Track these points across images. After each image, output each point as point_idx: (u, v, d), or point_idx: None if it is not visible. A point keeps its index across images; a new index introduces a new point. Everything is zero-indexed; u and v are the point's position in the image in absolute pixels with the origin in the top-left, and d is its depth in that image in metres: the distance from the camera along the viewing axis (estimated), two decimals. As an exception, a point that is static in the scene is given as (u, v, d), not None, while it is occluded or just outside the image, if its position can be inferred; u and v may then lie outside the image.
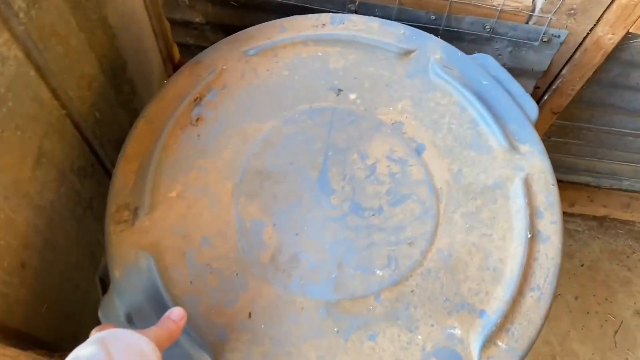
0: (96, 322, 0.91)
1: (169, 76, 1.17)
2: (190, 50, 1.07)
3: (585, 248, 1.40)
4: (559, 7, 0.81)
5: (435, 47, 0.79)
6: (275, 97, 0.76)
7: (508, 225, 0.67)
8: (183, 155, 0.72)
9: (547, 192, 0.69)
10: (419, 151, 0.73)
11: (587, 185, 1.39)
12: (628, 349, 1.29)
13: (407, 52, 0.78)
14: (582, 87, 1.02)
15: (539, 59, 0.92)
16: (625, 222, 1.43)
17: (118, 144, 0.82)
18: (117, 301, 0.64)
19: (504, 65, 0.95)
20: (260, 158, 0.72)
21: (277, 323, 0.62)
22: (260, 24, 0.80)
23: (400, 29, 0.80)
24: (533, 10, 0.84)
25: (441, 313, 0.63)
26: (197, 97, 0.76)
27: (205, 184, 0.70)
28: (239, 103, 0.76)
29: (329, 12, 0.89)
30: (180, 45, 1.07)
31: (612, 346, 1.30)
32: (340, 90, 0.77)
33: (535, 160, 0.71)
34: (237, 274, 0.65)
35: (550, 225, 0.68)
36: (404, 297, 0.64)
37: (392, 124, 0.74)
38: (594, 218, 1.43)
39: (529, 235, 0.66)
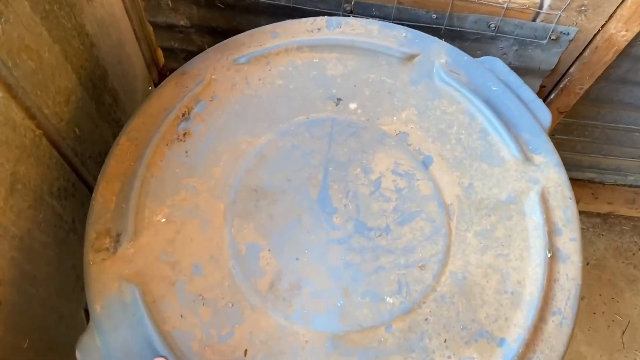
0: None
1: (154, 81, 1.11)
2: (175, 55, 1.01)
3: (590, 246, 1.36)
4: (568, 3, 0.76)
5: (439, 51, 0.74)
6: (269, 108, 0.71)
7: (525, 244, 0.63)
8: (169, 174, 0.67)
9: (564, 206, 0.65)
10: (426, 164, 0.67)
11: (591, 181, 1.35)
12: (636, 350, 1.26)
13: (410, 57, 0.73)
14: (590, 85, 0.98)
15: (546, 58, 0.87)
16: (630, 219, 1.39)
17: (101, 158, 0.76)
18: (97, 339, 0.58)
19: (509, 64, 0.90)
20: (255, 175, 0.67)
21: (278, 359, 0.57)
22: (250, 30, 0.74)
23: (401, 31, 0.74)
24: (541, 7, 0.79)
25: (458, 343, 0.58)
26: (184, 110, 0.70)
27: (194, 205, 0.65)
28: (229, 115, 0.70)
29: (323, 13, 0.83)
30: (164, 49, 1.00)
31: (619, 347, 1.26)
32: (339, 99, 0.71)
33: (550, 172, 0.66)
34: (232, 305, 0.60)
35: (570, 242, 0.63)
36: (417, 326, 0.59)
37: (397, 134, 0.69)
38: (598, 215, 1.39)
39: (549, 255, 0.61)
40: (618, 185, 1.35)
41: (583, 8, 0.77)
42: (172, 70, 1.04)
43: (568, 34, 0.82)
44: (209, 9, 0.88)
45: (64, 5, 0.69)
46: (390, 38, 0.74)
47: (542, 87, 0.95)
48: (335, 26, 0.74)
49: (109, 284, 0.60)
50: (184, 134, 0.70)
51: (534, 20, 0.81)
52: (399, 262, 0.62)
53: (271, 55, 0.73)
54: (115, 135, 0.72)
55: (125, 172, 0.67)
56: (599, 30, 0.81)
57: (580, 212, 1.39)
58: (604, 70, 0.93)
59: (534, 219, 0.63)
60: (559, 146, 1.20)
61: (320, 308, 0.60)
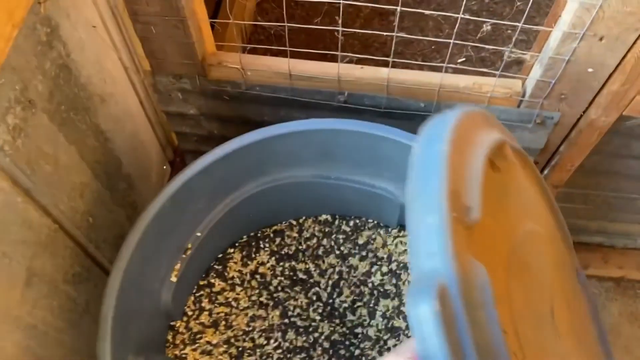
0: None
1: (169, 160, 1.18)
2: (188, 137, 1.08)
3: (603, 311, 1.35)
4: (549, 92, 0.80)
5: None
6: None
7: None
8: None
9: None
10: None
11: (601, 245, 1.35)
12: (655, 421, 1.23)
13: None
14: (583, 160, 1.00)
15: (535, 138, 0.90)
16: (643, 283, 1.38)
17: (115, 240, 0.82)
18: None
19: (499, 145, 0.93)
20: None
21: None
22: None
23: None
24: (523, 95, 0.83)
25: None
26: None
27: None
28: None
29: (319, 104, 0.90)
30: (177, 133, 1.08)
31: (638, 419, 1.23)
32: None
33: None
34: None
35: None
36: None
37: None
38: (611, 279, 1.38)
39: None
40: (629, 249, 1.35)
41: (563, 96, 0.81)
42: (185, 151, 1.12)
43: (552, 118, 0.86)
44: (215, 100, 0.95)
45: (80, 110, 0.77)
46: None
47: (535, 163, 0.98)
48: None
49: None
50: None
51: (518, 106, 0.85)
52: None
53: None
54: (129, 218, 0.78)
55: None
56: (581, 115, 0.84)
57: (592, 276, 1.38)
58: (596, 147, 0.96)
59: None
60: (563, 213, 1.22)
61: None
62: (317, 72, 0.86)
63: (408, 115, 0.89)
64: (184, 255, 0.86)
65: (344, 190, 0.93)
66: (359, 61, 0.92)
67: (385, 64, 0.84)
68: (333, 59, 0.84)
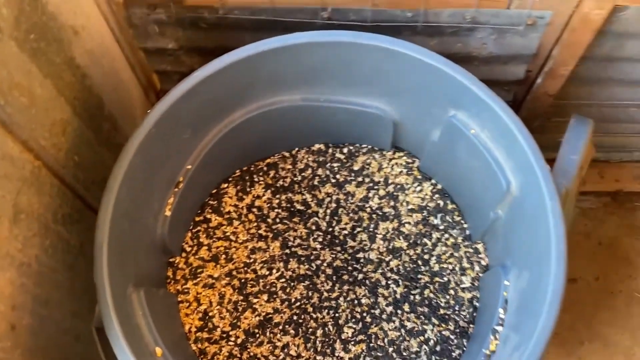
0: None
1: (152, 105, 1.15)
2: (170, 77, 1.05)
3: (601, 226, 1.35)
4: (539, -13, 0.77)
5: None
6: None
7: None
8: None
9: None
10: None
11: (596, 160, 1.35)
12: (658, 326, 1.25)
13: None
14: (576, 65, 0.98)
15: (526, 43, 0.88)
16: (640, 195, 1.38)
17: (105, 183, 0.80)
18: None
19: (489, 54, 0.91)
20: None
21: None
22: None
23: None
24: (513, -6, 0.80)
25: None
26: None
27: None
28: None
29: (302, 22, 0.86)
30: (158, 72, 1.04)
31: (641, 325, 1.25)
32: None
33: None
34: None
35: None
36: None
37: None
38: (608, 194, 1.38)
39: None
40: (624, 162, 1.34)
41: (554, -9, 0.78)
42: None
43: (544, 17, 0.83)
44: (194, 31, 0.91)
45: (52, 41, 0.73)
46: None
47: (528, 72, 0.96)
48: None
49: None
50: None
51: (508, 7, 0.82)
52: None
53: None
54: (116, 160, 0.75)
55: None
56: (573, 12, 0.81)
57: (589, 192, 1.38)
58: (588, 50, 0.94)
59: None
60: (558, 129, 1.20)
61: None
62: (298, -13, 0.82)
63: (395, 27, 0.86)
64: (176, 189, 0.84)
65: (335, 112, 0.90)
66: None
67: (367, -27, 0.81)
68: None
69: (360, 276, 0.93)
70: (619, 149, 1.30)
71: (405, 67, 0.76)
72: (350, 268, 0.94)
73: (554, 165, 0.79)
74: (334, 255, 0.95)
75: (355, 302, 0.91)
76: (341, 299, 0.91)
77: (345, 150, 1.01)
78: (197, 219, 0.93)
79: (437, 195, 0.96)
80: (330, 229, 0.97)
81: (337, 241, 0.96)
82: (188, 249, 0.90)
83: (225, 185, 0.97)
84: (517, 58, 0.91)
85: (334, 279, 0.93)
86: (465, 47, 0.90)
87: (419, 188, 0.97)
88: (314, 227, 0.97)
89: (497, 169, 0.75)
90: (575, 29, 0.83)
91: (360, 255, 0.95)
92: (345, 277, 0.93)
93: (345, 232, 0.97)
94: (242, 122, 0.86)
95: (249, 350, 0.85)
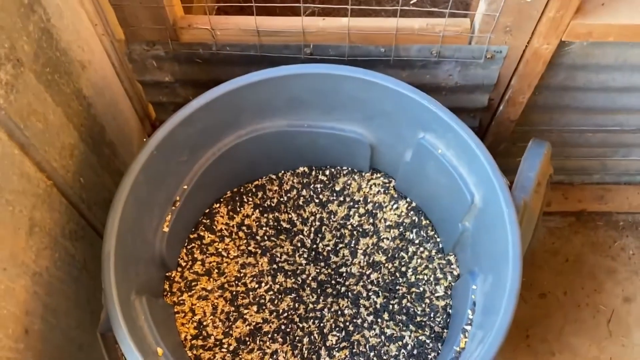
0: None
1: (148, 134, 1.23)
2: (165, 107, 1.13)
3: (567, 244, 1.45)
4: (494, 26, 0.88)
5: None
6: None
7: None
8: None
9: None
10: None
11: (561, 183, 1.45)
12: (622, 336, 1.33)
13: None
14: (534, 94, 1.09)
15: (487, 74, 0.98)
16: (602, 214, 1.48)
17: (105, 204, 0.87)
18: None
19: (455, 84, 1.01)
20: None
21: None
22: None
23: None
24: (473, 32, 0.91)
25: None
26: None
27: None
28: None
29: (287, 57, 0.96)
30: (154, 103, 1.13)
31: (607, 335, 1.33)
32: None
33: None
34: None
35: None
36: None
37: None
38: (572, 214, 1.48)
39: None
40: (586, 184, 1.45)
41: (508, 29, 0.89)
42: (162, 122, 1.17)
43: (501, 51, 0.94)
44: (189, 65, 1.00)
45: (63, 74, 0.82)
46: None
47: (490, 100, 1.06)
48: None
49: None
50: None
51: (469, 43, 0.93)
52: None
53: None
54: (116, 184, 0.83)
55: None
56: (526, 46, 0.92)
57: (555, 213, 1.48)
58: (544, 80, 1.05)
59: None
60: (521, 153, 1.31)
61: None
62: (283, 27, 0.92)
63: (370, 62, 0.96)
64: (173, 207, 0.91)
65: (317, 137, 0.99)
66: (323, 14, 0.98)
67: (345, 14, 0.91)
68: (299, 13, 0.91)
69: (343, 289, 1.00)
70: (580, 172, 1.41)
71: (379, 95, 0.86)
72: (333, 282, 1.01)
73: (514, 181, 0.89)
74: (318, 270, 1.02)
75: (339, 312, 0.98)
76: (325, 309, 0.98)
77: (327, 172, 1.10)
78: (191, 236, 1.00)
79: (412, 212, 1.05)
80: (315, 246, 1.05)
81: (321, 257, 1.04)
82: (183, 264, 0.98)
83: (218, 205, 1.05)
84: (480, 88, 1.02)
85: (319, 292, 1.00)
86: (433, 78, 1.00)
87: (395, 206, 1.06)
88: (299, 244, 1.05)
89: (462, 183, 0.84)
90: (528, 61, 0.94)
91: (343, 269, 1.02)
92: (329, 290, 1.00)
93: (329, 248, 1.05)
94: (233, 146, 0.95)
95: (240, 356, 0.91)
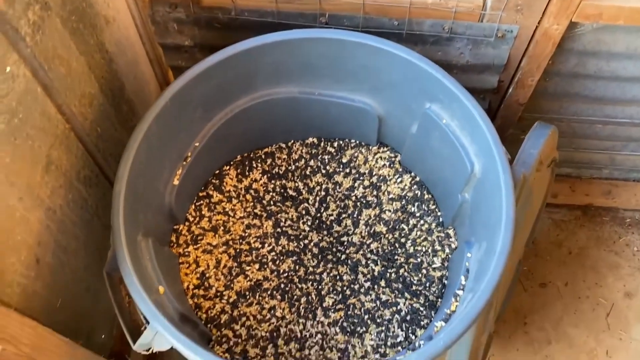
0: (108, 324, 0.99)
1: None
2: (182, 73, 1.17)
3: (572, 237, 1.46)
4: (506, 4, 0.90)
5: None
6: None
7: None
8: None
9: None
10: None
11: (569, 176, 1.46)
12: (621, 330, 1.33)
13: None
14: (545, 80, 1.10)
15: (498, 54, 1.00)
16: (609, 209, 1.48)
17: (120, 158, 0.91)
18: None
19: (466, 62, 1.03)
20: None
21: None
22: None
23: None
24: (484, 9, 0.93)
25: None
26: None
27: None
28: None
29: (303, 26, 0.99)
30: (173, 68, 1.17)
31: (605, 328, 1.34)
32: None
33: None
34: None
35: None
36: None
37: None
38: (579, 207, 1.49)
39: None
40: (594, 178, 1.46)
41: (519, 7, 0.91)
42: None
43: (512, 31, 0.96)
44: (208, 30, 1.04)
45: (88, 25, 0.86)
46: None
47: (500, 82, 1.08)
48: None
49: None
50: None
51: (480, 20, 0.95)
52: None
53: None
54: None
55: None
56: (537, 27, 0.94)
57: (562, 205, 1.49)
58: (555, 66, 1.06)
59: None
60: (531, 141, 1.32)
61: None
62: (300, -6, 0.95)
63: (384, 34, 0.98)
64: (184, 163, 0.95)
65: (327, 106, 1.02)
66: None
67: (361, -14, 0.94)
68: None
69: (343, 257, 1.03)
70: (588, 165, 1.42)
71: (388, 64, 0.89)
72: (334, 249, 1.04)
73: (516, 156, 0.91)
74: (320, 237, 1.05)
75: (337, 277, 1.01)
76: (324, 274, 1.01)
77: (335, 144, 1.13)
78: (200, 194, 1.04)
79: (415, 186, 1.07)
80: (319, 214, 1.08)
81: (324, 225, 1.07)
82: (191, 219, 1.01)
83: (227, 167, 1.08)
84: (490, 68, 1.04)
85: (319, 258, 1.03)
86: (445, 56, 1.02)
87: (399, 180, 1.08)
88: (304, 212, 1.08)
89: (464, 153, 0.86)
90: (538, 42, 0.96)
91: (345, 238, 1.05)
92: (330, 256, 1.03)
93: (332, 217, 1.07)
94: (245, 108, 0.98)
95: (239, 308, 0.94)
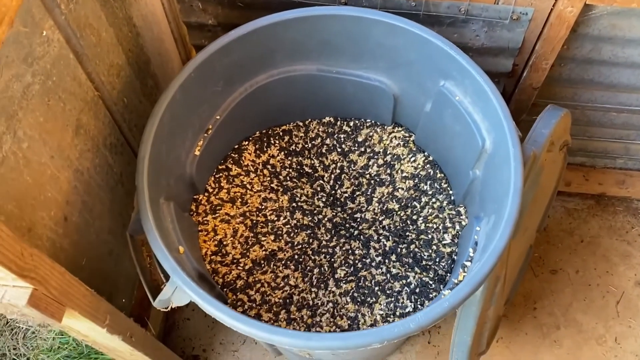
0: (128, 287, 1.03)
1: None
2: (206, 50, 1.21)
3: (584, 225, 1.47)
4: (521, -15, 0.92)
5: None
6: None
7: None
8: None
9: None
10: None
11: (582, 165, 1.47)
12: (630, 318, 1.34)
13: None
14: (559, 65, 1.12)
15: (513, 37, 1.02)
16: (622, 199, 1.49)
17: (143, 130, 0.95)
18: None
19: (482, 45, 1.06)
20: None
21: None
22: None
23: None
24: (500, -9, 0.95)
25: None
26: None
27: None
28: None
29: (322, 4, 1.02)
30: (196, 47, 1.21)
31: (614, 315, 1.35)
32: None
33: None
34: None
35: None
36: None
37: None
38: (592, 197, 1.50)
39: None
40: (608, 168, 1.47)
41: (534, -10, 0.93)
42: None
43: (526, 13, 0.98)
44: (231, 9, 1.08)
45: (117, -1, 0.90)
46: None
47: (515, 65, 1.10)
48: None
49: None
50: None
51: (496, 3, 0.97)
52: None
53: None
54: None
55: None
56: (551, 9, 0.96)
57: (575, 194, 1.50)
58: (570, 51, 1.08)
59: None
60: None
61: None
62: (321, -27, 0.98)
63: (400, 15, 1.00)
64: (205, 134, 0.99)
65: (344, 85, 1.05)
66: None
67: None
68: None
69: (356, 232, 1.06)
70: (602, 154, 1.43)
71: (404, 42, 0.91)
72: (347, 225, 1.07)
73: (527, 135, 0.93)
74: (334, 213, 1.08)
75: (350, 251, 1.04)
76: (337, 248, 1.04)
77: (351, 123, 1.16)
78: (220, 167, 1.08)
79: (428, 165, 1.10)
80: (333, 191, 1.11)
81: (338, 202, 1.10)
82: (210, 190, 1.05)
83: (246, 142, 1.12)
84: (505, 51, 1.06)
85: (333, 232, 1.06)
86: (461, 38, 1.05)
87: (413, 159, 1.11)
88: (319, 188, 1.11)
89: (475, 129, 0.89)
90: (552, 24, 0.98)
91: (358, 215, 1.08)
92: (343, 232, 1.06)
93: (346, 194, 1.11)
94: (265, 84, 1.02)
95: (254, 275, 0.98)
